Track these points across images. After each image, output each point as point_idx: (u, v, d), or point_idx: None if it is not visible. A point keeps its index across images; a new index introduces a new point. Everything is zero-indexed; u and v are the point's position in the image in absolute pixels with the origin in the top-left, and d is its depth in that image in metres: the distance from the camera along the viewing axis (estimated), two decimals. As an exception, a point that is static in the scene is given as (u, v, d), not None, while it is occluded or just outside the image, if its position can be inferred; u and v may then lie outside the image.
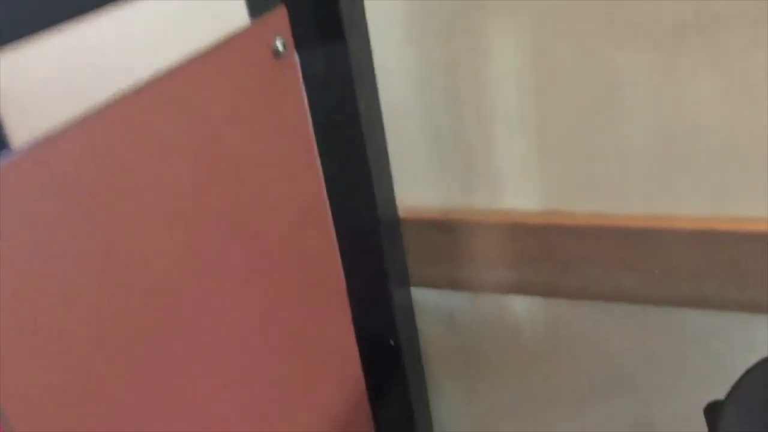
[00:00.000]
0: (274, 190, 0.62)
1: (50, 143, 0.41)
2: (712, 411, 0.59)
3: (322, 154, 0.73)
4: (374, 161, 0.75)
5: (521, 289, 0.80)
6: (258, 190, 0.60)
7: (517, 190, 0.76)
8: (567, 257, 0.76)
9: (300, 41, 0.66)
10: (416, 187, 0.80)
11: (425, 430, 0.92)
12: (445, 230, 0.80)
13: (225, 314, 0.56)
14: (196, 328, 0.53)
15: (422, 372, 0.91)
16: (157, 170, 0.48)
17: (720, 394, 0.79)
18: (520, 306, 0.82)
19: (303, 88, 0.68)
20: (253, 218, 0.59)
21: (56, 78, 0.44)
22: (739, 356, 0.75)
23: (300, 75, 0.67)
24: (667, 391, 0.81)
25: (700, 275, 0.72)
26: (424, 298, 0.86)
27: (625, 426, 0.85)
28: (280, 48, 0.61)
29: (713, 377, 0.77)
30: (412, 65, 0.74)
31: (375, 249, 0.79)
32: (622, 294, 0.75)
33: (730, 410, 0.57)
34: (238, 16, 0.59)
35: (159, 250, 0.49)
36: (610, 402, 0.84)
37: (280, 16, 0.61)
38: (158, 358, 0.49)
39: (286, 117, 0.64)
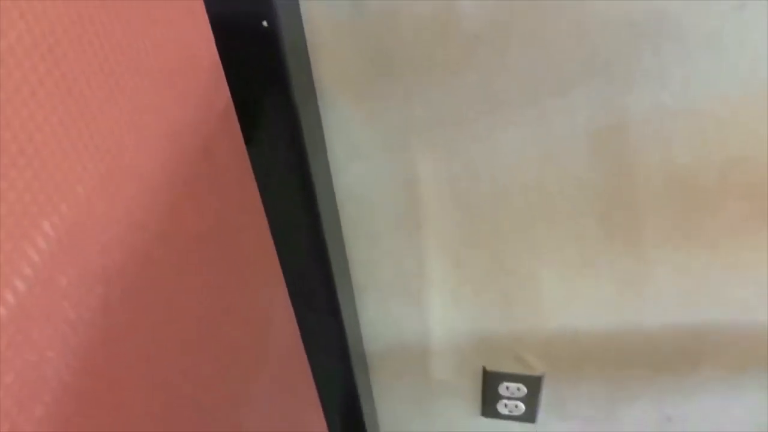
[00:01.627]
0: None
1: None
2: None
3: None
4: None
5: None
6: None
7: None
8: None
9: None
10: None
11: (318, 159, 0.68)
12: None
13: None
14: None
15: (310, 74, 0.64)
16: None
17: (730, 88, 0.58)
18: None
19: None
20: None
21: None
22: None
23: None
24: (657, 73, 0.59)
25: None
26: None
27: (588, 127, 0.64)
28: None
29: (724, 57, 0.55)
30: None
31: None
32: None
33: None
34: None
35: None
36: (571, 96, 0.62)
37: None
38: None
39: None
